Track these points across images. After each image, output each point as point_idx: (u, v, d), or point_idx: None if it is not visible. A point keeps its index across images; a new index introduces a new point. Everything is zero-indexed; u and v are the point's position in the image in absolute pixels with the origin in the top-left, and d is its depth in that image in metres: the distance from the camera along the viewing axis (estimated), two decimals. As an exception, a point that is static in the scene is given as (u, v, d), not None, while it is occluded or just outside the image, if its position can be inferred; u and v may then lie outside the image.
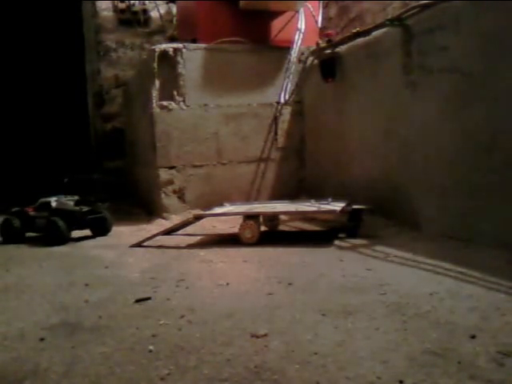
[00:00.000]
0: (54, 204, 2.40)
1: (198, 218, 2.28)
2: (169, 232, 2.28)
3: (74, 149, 5.83)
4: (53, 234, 2.28)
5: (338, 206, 2.14)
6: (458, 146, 1.92)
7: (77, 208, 2.40)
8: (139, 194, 3.60)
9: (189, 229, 2.33)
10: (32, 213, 2.44)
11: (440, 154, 2.01)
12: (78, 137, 5.47)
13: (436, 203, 2.03)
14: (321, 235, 2.31)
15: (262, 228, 2.25)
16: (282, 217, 2.55)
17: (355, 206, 2.19)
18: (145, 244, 2.17)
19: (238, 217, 2.23)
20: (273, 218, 2.40)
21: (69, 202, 2.43)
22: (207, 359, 0.99)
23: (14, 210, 2.49)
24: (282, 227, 2.47)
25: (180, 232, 2.32)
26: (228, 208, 2.47)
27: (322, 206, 2.23)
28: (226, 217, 2.42)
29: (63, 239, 2.28)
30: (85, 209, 2.41)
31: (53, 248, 2.21)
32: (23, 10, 5.92)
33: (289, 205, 2.42)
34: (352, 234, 2.14)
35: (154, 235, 2.22)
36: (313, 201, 2.37)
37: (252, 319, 1.20)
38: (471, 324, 1.10)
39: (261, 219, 2.27)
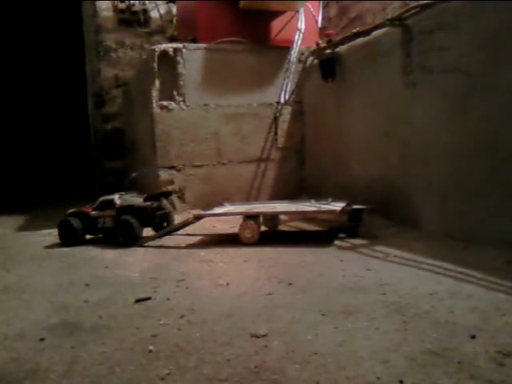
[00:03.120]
0: (118, 202, 2.26)
1: (198, 218, 2.28)
2: (169, 232, 2.28)
3: (74, 149, 5.84)
4: (125, 233, 2.16)
5: (338, 205, 2.15)
6: (457, 146, 1.92)
7: (148, 204, 2.26)
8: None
9: (189, 229, 2.33)
10: (93, 213, 2.29)
11: (440, 154, 2.00)
12: (78, 137, 5.48)
13: (436, 203, 2.03)
14: (321, 235, 2.31)
15: (262, 228, 2.24)
16: (282, 217, 2.55)
17: (355, 206, 2.19)
18: (145, 244, 2.17)
19: (238, 217, 2.23)
20: (273, 218, 2.40)
21: (134, 198, 2.31)
22: (207, 359, 0.99)
23: (71, 211, 2.35)
24: (282, 227, 2.47)
25: (180, 232, 2.32)
26: (228, 208, 2.47)
27: (322, 206, 2.23)
28: (226, 217, 2.42)
29: (136, 238, 2.15)
30: (155, 204, 2.27)
31: (52, 248, 2.21)
32: (23, 10, 5.92)
33: (289, 205, 2.41)
34: (352, 233, 2.14)
35: (155, 236, 2.22)
36: (313, 201, 2.37)
37: (252, 319, 1.20)
38: (471, 324, 1.10)
39: (261, 219, 2.27)
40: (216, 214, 2.35)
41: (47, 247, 2.25)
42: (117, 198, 2.27)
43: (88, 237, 2.34)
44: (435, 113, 2.02)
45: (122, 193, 2.34)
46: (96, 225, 2.28)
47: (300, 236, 2.37)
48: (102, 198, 2.33)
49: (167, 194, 2.51)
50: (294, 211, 2.34)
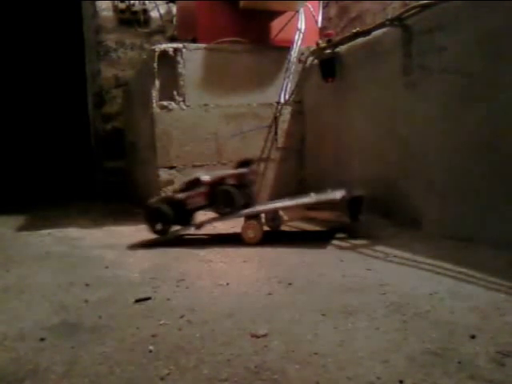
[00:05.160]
0: (206, 177, 2.15)
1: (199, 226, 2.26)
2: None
3: (74, 149, 5.84)
4: (225, 203, 2.09)
5: (337, 194, 2.11)
6: (458, 146, 1.92)
7: (242, 171, 2.20)
8: (139, 194, 3.60)
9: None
10: (180, 195, 2.16)
11: (440, 153, 2.01)
12: (77, 137, 5.48)
13: (436, 203, 2.03)
14: (321, 235, 2.31)
15: (265, 228, 2.23)
16: (284, 217, 2.54)
17: (354, 193, 2.16)
18: (145, 244, 2.17)
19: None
20: (275, 218, 2.39)
21: (219, 171, 2.23)
22: (207, 359, 0.99)
23: (154, 199, 2.24)
24: (282, 227, 2.46)
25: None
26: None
27: (322, 196, 2.20)
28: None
29: (237, 206, 2.08)
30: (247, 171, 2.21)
31: (52, 248, 2.21)
32: (23, 10, 5.92)
33: (289, 201, 2.38)
34: (354, 219, 2.11)
35: (155, 239, 2.21)
36: (312, 194, 2.33)
37: (252, 319, 1.20)
38: (471, 324, 1.10)
39: (263, 219, 2.26)
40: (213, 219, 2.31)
41: (131, 247, 2.15)
42: (202, 174, 2.19)
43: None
44: (435, 113, 2.02)
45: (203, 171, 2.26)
46: (185, 207, 2.17)
47: (300, 236, 2.37)
48: (185, 179, 2.25)
49: (251, 162, 2.35)
50: (294, 204, 2.29)
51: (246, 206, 2.18)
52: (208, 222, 2.24)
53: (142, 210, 2.25)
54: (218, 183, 2.15)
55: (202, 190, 2.15)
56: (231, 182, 2.16)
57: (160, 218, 2.15)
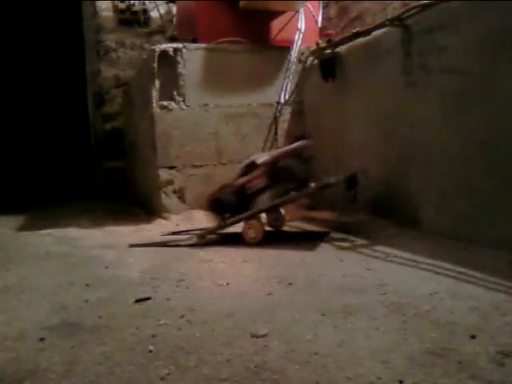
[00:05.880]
0: (262, 159, 2.09)
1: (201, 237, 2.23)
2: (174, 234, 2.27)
3: (73, 148, 5.83)
4: (287, 181, 2.03)
5: (332, 179, 2.09)
6: (458, 146, 1.92)
7: (297, 145, 2.10)
8: (139, 194, 3.60)
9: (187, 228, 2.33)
10: (240, 181, 2.11)
11: (440, 153, 2.01)
12: (77, 136, 5.48)
13: (436, 203, 2.03)
14: (321, 235, 2.31)
15: (267, 228, 2.22)
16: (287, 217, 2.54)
17: (349, 173, 2.12)
18: (145, 244, 2.17)
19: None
20: (277, 218, 2.39)
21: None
22: (207, 359, 0.99)
23: (215, 191, 2.18)
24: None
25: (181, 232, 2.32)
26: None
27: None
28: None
29: (302, 182, 2.02)
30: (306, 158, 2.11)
31: (52, 248, 2.21)
32: (23, 10, 5.92)
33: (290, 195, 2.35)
34: (352, 200, 2.08)
35: (155, 243, 2.20)
36: (312, 184, 2.22)
37: (252, 319, 1.20)
38: (471, 324, 1.10)
39: (264, 219, 2.26)
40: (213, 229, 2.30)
41: (131, 247, 2.14)
42: (256, 157, 2.14)
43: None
44: (435, 112, 2.02)
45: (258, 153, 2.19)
46: (245, 192, 2.12)
47: (300, 236, 2.37)
48: (242, 164, 2.20)
49: (306, 137, 2.30)
50: (293, 197, 2.24)
51: (306, 182, 2.09)
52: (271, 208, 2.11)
53: (206, 201, 2.18)
54: (275, 162, 2.08)
55: (259, 171, 2.09)
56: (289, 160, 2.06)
57: (223, 208, 2.12)
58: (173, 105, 2.85)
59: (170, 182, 2.86)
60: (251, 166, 2.14)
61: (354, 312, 1.22)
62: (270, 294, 1.40)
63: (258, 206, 2.13)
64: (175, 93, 2.85)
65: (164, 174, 2.85)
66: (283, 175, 2.05)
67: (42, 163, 5.96)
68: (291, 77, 3.08)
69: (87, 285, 1.57)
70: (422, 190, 2.12)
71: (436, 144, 2.03)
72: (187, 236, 2.26)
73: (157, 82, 2.82)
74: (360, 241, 2.04)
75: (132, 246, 2.15)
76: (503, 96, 1.70)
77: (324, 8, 3.45)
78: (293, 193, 2.06)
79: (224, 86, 2.96)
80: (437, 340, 1.03)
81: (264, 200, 2.15)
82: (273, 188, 2.10)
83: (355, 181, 2.15)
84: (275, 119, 3.07)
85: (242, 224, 2.13)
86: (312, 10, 3.19)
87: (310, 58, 3.04)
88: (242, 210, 2.14)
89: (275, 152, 2.15)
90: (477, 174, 1.83)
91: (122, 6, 4.16)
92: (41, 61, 6.06)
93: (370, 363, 0.94)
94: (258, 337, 1.09)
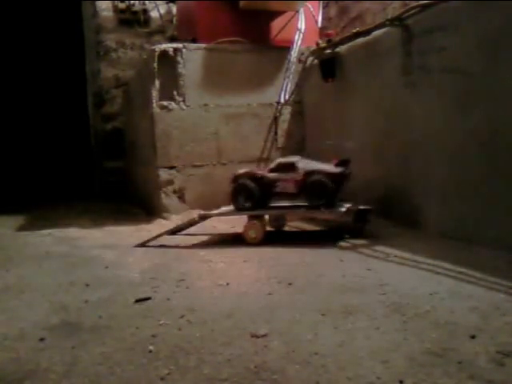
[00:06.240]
0: (301, 164, 2.04)
1: (203, 217, 2.26)
2: (174, 232, 2.27)
3: (73, 148, 5.83)
4: (318, 195, 1.98)
5: (344, 207, 2.09)
6: (458, 146, 1.92)
7: (341, 170, 2.02)
8: (139, 194, 3.60)
9: (189, 229, 2.33)
10: (271, 175, 2.07)
11: (440, 154, 2.01)
12: (77, 136, 5.48)
13: (436, 203, 2.03)
14: (321, 235, 2.31)
15: (268, 228, 2.22)
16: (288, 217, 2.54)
17: (361, 207, 2.14)
18: (145, 244, 2.17)
19: (238, 217, 2.23)
20: (279, 218, 2.38)
21: (316, 163, 2.07)
22: (207, 359, 0.99)
23: (240, 172, 2.14)
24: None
25: (182, 232, 2.31)
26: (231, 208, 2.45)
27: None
28: (227, 216, 2.41)
29: (332, 200, 1.98)
30: (347, 171, 2.04)
31: (52, 248, 2.21)
32: (23, 10, 5.92)
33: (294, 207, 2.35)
34: (358, 234, 2.09)
35: (159, 235, 2.20)
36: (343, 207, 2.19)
37: (252, 319, 1.20)
38: (471, 324, 1.10)
39: (266, 219, 2.25)
40: (221, 213, 2.31)
41: (131, 247, 2.15)
42: (298, 161, 2.08)
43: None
44: (435, 113, 2.02)
45: (299, 157, 2.14)
46: (273, 188, 2.08)
47: (300, 236, 2.37)
48: (278, 160, 2.15)
49: (348, 163, 2.18)
50: (300, 210, 2.24)
51: (334, 202, 2.06)
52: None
53: (231, 180, 2.15)
54: (312, 174, 2.03)
55: (296, 176, 2.04)
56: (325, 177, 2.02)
57: (245, 194, 2.09)
58: (173, 105, 2.85)
59: (170, 182, 2.86)
60: (287, 167, 2.09)
61: (354, 312, 1.22)
62: (270, 294, 1.40)
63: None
64: (175, 93, 2.85)
65: (164, 174, 2.85)
66: (316, 189, 2.00)
67: (43, 163, 5.96)
68: (291, 77, 3.08)
69: (87, 285, 1.57)
70: (422, 189, 2.12)
71: (436, 144, 2.02)
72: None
73: (157, 82, 2.82)
74: (360, 241, 2.04)
75: (138, 245, 2.15)
76: (503, 96, 1.70)
77: (324, 8, 3.45)
78: (322, 209, 2.02)
79: (224, 85, 2.96)
80: (437, 340, 1.03)
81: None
82: (299, 198, 2.07)
83: (365, 217, 2.13)
84: (275, 119, 3.07)
85: (242, 225, 2.13)
86: (312, 9, 3.19)
87: (310, 58, 3.04)
88: (261, 204, 2.12)
89: (316, 165, 2.09)
90: (477, 174, 1.83)
91: (121, 5, 4.16)
92: (41, 61, 6.06)
93: (370, 363, 0.94)
94: (257, 337, 1.09)
